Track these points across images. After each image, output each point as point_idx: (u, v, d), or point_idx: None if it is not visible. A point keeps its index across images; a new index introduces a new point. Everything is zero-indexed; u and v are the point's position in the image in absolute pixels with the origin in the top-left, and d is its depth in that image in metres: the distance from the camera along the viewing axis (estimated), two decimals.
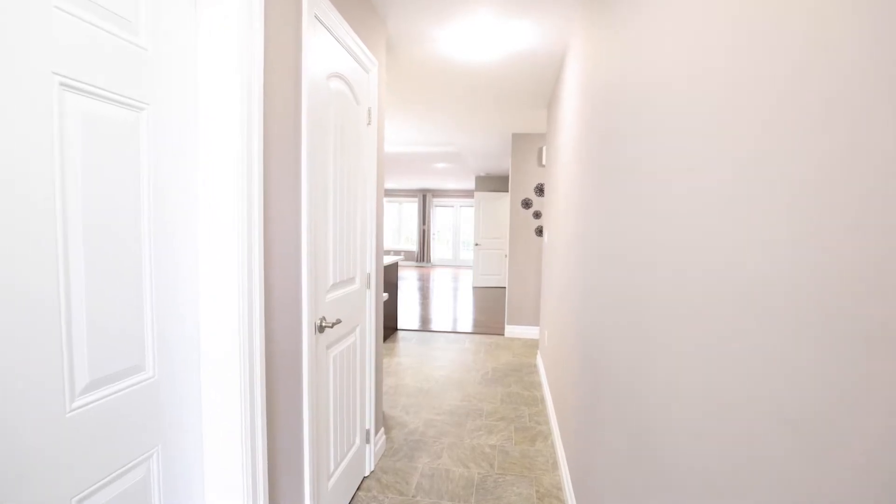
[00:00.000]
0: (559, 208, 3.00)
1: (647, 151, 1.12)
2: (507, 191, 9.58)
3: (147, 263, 1.05)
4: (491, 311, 6.89)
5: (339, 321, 1.77)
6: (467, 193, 13.35)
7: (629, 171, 1.26)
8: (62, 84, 0.84)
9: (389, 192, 13.66)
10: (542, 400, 3.45)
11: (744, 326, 0.68)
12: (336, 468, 1.94)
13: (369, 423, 2.33)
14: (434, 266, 13.61)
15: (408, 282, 10.09)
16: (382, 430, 2.61)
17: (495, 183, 9.80)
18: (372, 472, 2.38)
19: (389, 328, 5.23)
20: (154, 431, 1.09)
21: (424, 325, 5.87)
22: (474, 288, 9.39)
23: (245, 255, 1.22)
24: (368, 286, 2.28)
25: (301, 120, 1.52)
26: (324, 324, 1.72)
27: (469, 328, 5.76)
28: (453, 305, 7.34)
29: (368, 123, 2.20)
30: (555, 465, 2.50)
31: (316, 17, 1.61)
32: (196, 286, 1.20)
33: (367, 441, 2.33)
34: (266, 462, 1.32)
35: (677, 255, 0.92)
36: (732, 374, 0.70)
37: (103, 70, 0.92)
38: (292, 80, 1.46)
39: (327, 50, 1.72)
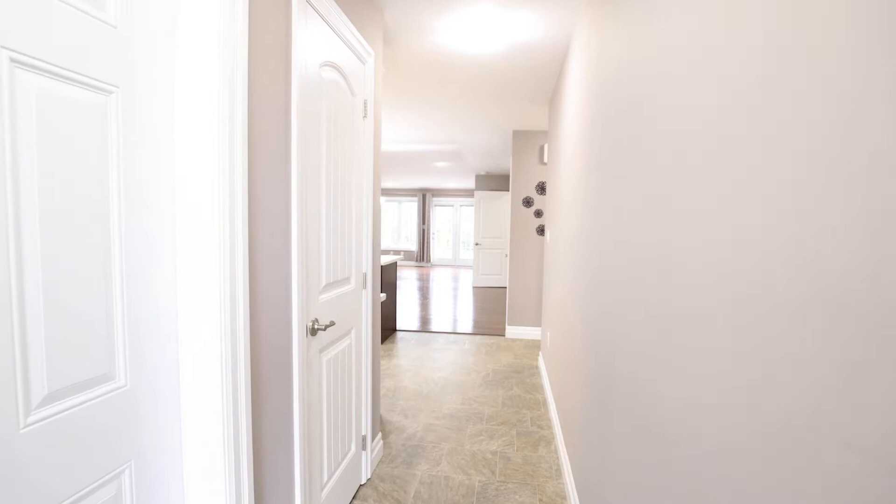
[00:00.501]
0: (562, 206, 2.91)
1: (655, 147, 1.03)
2: (508, 189, 9.49)
3: (118, 260, 0.96)
4: (491, 312, 6.80)
5: (332, 323, 1.68)
6: (467, 193, 13.26)
7: (638, 167, 1.17)
8: (13, 60, 0.75)
9: (389, 192, 13.58)
10: (545, 403, 3.36)
11: (758, 327, 0.60)
12: (330, 477, 1.85)
13: (366, 429, 2.24)
14: (434, 266, 13.52)
15: (407, 282, 10.00)
16: (380, 435, 2.52)
17: (496, 182, 9.71)
18: (368, 479, 2.29)
19: (388, 329, 5.14)
20: (127, 445, 0.99)
21: (424, 325, 5.78)
22: (474, 288, 9.30)
23: (227, 252, 1.13)
24: (364, 286, 2.18)
25: (291, 109, 1.43)
26: (316, 326, 1.62)
27: (469, 329, 5.66)
28: (453, 305, 7.25)
29: (364, 116, 2.11)
30: (558, 473, 2.41)
31: (308, 1, 1.52)
32: (174, 286, 1.11)
33: (364, 448, 2.24)
34: (252, 475, 1.23)
35: (689, 253, 0.84)
36: (757, 380, 0.62)
37: (64, 47, 0.83)
38: (281, 67, 1.37)
39: (320, 37, 1.63)
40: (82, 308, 0.88)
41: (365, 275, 2.18)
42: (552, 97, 3.86)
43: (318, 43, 1.61)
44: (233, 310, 1.15)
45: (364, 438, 2.24)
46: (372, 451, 2.34)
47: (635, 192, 1.23)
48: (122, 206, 0.96)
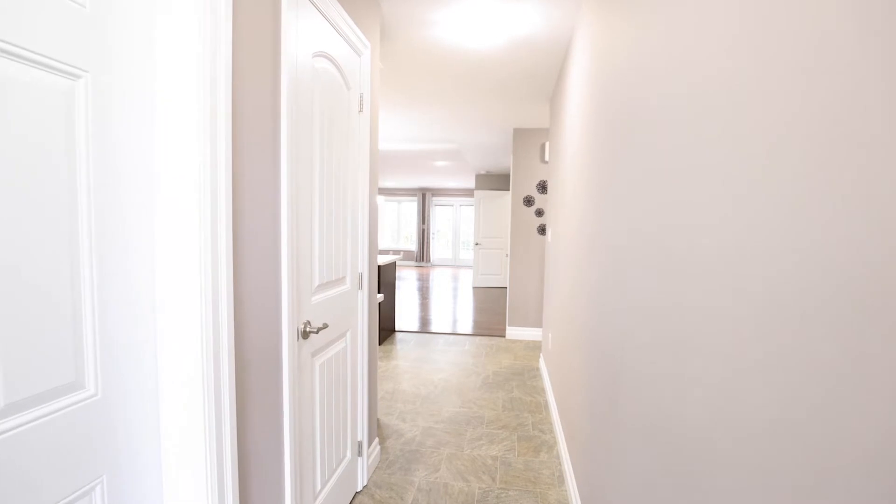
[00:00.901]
0: (565, 204, 2.83)
1: (661, 143, 0.96)
2: (508, 189, 9.42)
3: (87, 259, 0.88)
4: (491, 312, 6.72)
5: (325, 325, 1.60)
6: (467, 192, 13.19)
7: (644, 166, 1.10)
8: None
9: (388, 191, 13.50)
10: (546, 406, 3.29)
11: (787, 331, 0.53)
12: (324, 486, 1.77)
13: (362, 435, 2.17)
14: (434, 266, 13.44)
15: (407, 282, 9.93)
16: (376, 440, 2.45)
17: (496, 181, 9.64)
18: (365, 486, 2.21)
19: (387, 329, 5.07)
20: (99, 459, 0.92)
21: (423, 326, 5.71)
22: (474, 288, 9.23)
23: (209, 251, 1.05)
24: (360, 287, 2.11)
25: (280, 98, 1.35)
26: (308, 329, 1.55)
27: (469, 329, 5.59)
28: (453, 306, 7.18)
29: (360, 111, 2.03)
30: (561, 479, 2.34)
31: None
32: (152, 288, 1.04)
33: (360, 454, 2.17)
34: (237, 489, 1.16)
35: (701, 251, 0.77)
36: (766, 383, 0.55)
37: (22, 25, 0.75)
38: (269, 53, 1.30)
39: (313, 26, 1.56)
40: (46, 312, 0.81)
41: (361, 275, 2.11)
42: (553, 94, 3.79)
43: (310, 32, 1.54)
44: (215, 314, 1.07)
45: (360, 444, 2.16)
46: (368, 457, 2.26)
47: (644, 189, 1.15)
48: (93, 200, 0.88)
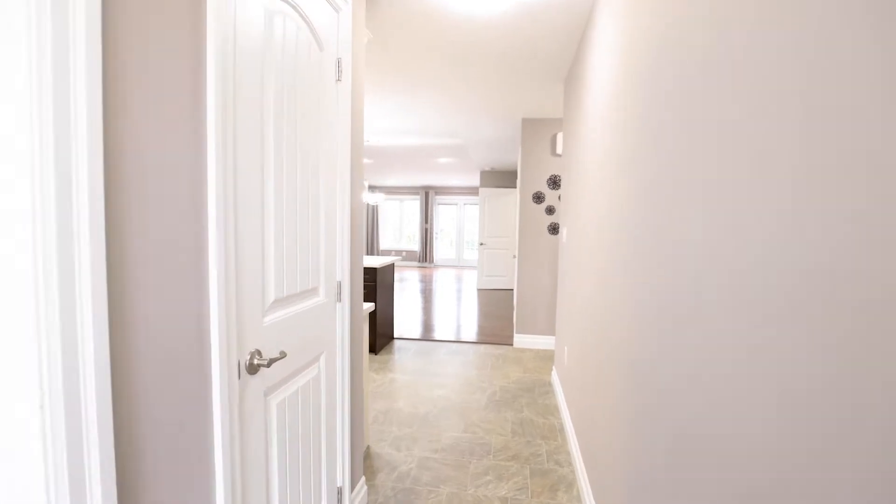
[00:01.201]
0: (586, 202, 2.42)
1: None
2: (515, 186, 9.00)
3: None
4: (497, 317, 6.31)
5: (283, 354, 1.20)
6: (471, 190, 12.78)
7: (708, 144, 0.70)
8: None
9: (390, 189, 13.11)
10: (562, 430, 2.88)
11: None
12: None
13: (342, 479, 1.77)
14: (437, 266, 13.04)
15: (408, 283, 9.53)
16: (362, 480, 2.05)
17: (501, 178, 9.22)
18: None
19: (385, 336, 4.67)
20: None
21: (425, 332, 5.31)
22: (479, 290, 8.82)
23: (53, 258, 0.65)
24: (339, 298, 1.71)
25: (205, 45, 0.95)
26: (257, 361, 1.15)
27: (473, 336, 5.18)
28: (456, 310, 6.77)
29: (338, 79, 1.63)
30: None
31: None
32: None
33: (340, 502, 1.77)
34: None
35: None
36: None
37: None
38: None
39: None
40: None
41: (339, 283, 1.71)
42: (569, 73, 3.37)
43: None
44: (70, 362, 0.68)
45: (340, 491, 1.76)
46: (352, 503, 1.86)
47: (717, 175, 0.75)
48: None
